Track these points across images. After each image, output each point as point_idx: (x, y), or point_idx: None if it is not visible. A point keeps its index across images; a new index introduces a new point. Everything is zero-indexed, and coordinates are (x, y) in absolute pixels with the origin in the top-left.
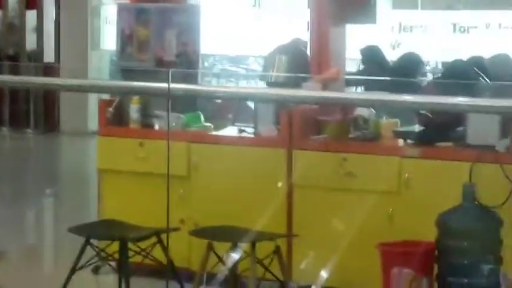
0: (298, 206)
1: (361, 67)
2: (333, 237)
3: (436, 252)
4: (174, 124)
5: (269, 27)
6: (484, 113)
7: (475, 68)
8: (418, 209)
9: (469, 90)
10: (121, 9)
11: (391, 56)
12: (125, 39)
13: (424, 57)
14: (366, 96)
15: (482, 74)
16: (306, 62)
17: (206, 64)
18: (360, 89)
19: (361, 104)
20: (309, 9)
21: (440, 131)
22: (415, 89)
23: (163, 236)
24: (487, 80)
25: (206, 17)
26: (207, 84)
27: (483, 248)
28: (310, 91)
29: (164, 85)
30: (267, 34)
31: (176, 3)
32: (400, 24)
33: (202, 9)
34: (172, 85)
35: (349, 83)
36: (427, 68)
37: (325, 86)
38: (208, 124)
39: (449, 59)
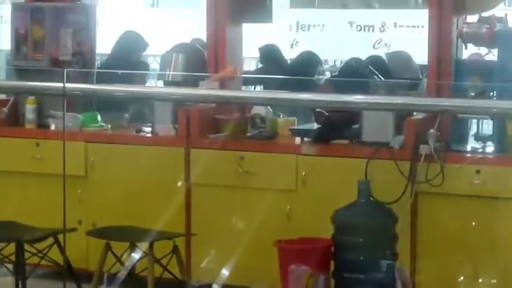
0: (196, 205)
1: (260, 66)
2: (231, 236)
3: (333, 249)
4: (70, 124)
5: (168, 27)
6: (377, 110)
7: (370, 67)
8: (315, 206)
9: (364, 88)
10: (16, 8)
11: (290, 54)
12: (20, 38)
13: (322, 56)
14: (262, 95)
15: (376, 72)
16: (203, 61)
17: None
18: (259, 87)
19: (258, 102)
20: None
21: (336, 129)
22: (312, 87)
23: (60, 237)
24: (381, 78)
25: (106, 16)
26: (102, 84)
27: (379, 243)
28: (207, 89)
29: (59, 85)
30: (166, 34)
31: (71, 2)
32: (297, 23)
33: (101, 9)
34: (68, 85)
35: (247, 81)
36: (326, 66)
37: (222, 85)
38: (105, 124)
39: (347, 57)
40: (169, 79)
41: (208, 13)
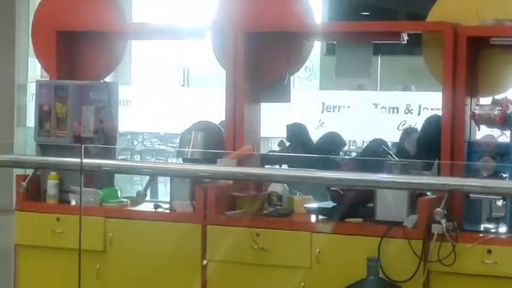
0: (213, 282)
1: (287, 144)
2: None
3: None
4: (91, 200)
5: (196, 106)
6: (395, 188)
7: (384, 146)
8: (329, 283)
9: (382, 167)
10: (40, 85)
11: (316, 135)
12: (44, 115)
13: (347, 136)
14: (280, 172)
15: (390, 152)
16: (221, 139)
17: (136, 142)
18: (284, 166)
19: (277, 179)
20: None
21: (350, 207)
22: (335, 166)
23: None
24: (394, 157)
25: (137, 94)
26: (120, 159)
27: None
28: (225, 166)
29: (77, 160)
30: (194, 113)
31: (94, 81)
32: (323, 104)
33: (134, 87)
34: (85, 160)
35: (271, 160)
36: (353, 147)
37: (239, 162)
38: (125, 199)
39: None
40: (188, 156)
41: (228, 92)
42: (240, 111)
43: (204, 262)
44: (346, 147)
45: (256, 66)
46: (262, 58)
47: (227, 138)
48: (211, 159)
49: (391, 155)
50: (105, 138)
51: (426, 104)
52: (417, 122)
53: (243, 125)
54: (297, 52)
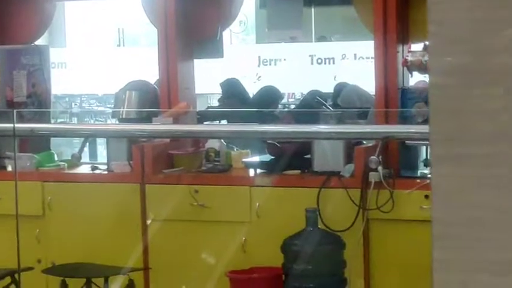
0: (153, 240)
1: (222, 101)
2: (188, 269)
3: (284, 277)
4: (28, 164)
5: (132, 66)
6: (331, 139)
7: (318, 97)
8: (269, 236)
9: (319, 119)
10: None
11: (252, 89)
12: None
13: (286, 89)
14: (215, 128)
15: (324, 103)
16: (156, 98)
17: (74, 105)
18: (222, 122)
19: (215, 135)
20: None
21: (288, 160)
22: (273, 119)
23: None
24: (329, 108)
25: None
26: (53, 123)
27: (326, 270)
28: (161, 125)
29: (9, 125)
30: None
31: (24, 44)
32: (259, 58)
33: (69, 49)
34: (18, 125)
35: (208, 116)
36: (292, 100)
37: (175, 120)
38: (62, 163)
39: (307, 90)
40: (123, 116)
41: (160, 50)
42: (174, 68)
43: (148, 222)
44: (285, 100)
45: (188, 23)
46: (193, 14)
47: (162, 97)
48: (146, 118)
49: (326, 106)
50: (38, 102)
51: (361, 53)
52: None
53: (177, 82)
54: (228, 7)
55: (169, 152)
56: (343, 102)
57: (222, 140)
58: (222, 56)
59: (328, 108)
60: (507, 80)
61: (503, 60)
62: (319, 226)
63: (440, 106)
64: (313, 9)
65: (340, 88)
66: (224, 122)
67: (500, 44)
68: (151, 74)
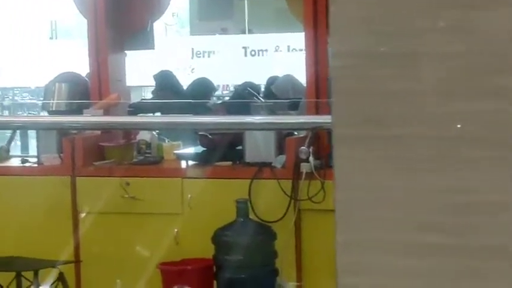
0: (84, 233)
1: (155, 93)
2: (121, 261)
3: (215, 268)
4: None
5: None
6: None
7: (249, 88)
8: (201, 228)
9: (255, 110)
10: None
11: (186, 81)
12: None
13: (220, 81)
14: (146, 120)
15: (256, 94)
16: (87, 90)
17: (5, 98)
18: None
19: (142, 127)
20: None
21: (220, 151)
22: (206, 111)
23: None
24: (261, 100)
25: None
26: None
27: (257, 261)
28: (92, 116)
29: None
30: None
31: None
32: (193, 50)
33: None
34: None
35: (142, 108)
36: (226, 92)
37: (106, 112)
38: None
39: (241, 81)
40: (53, 108)
41: (90, 42)
42: (104, 60)
43: (83, 215)
44: (219, 92)
45: (118, 15)
46: (124, 6)
47: (92, 89)
48: (77, 110)
49: (257, 97)
50: None
51: (294, 45)
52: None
53: (108, 74)
54: None
55: (100, 144)
56: (277, 90)
57: (154, 132)
58: (153, 48)
59: (260, 99)
60: (410, 62)
61: (406, 41)
62: (251, 217)
63: (342, 88)
64: (246, 1)
65: (272, 80)
66: (158, 114)
67: (402, 25)
68: (84, 66)
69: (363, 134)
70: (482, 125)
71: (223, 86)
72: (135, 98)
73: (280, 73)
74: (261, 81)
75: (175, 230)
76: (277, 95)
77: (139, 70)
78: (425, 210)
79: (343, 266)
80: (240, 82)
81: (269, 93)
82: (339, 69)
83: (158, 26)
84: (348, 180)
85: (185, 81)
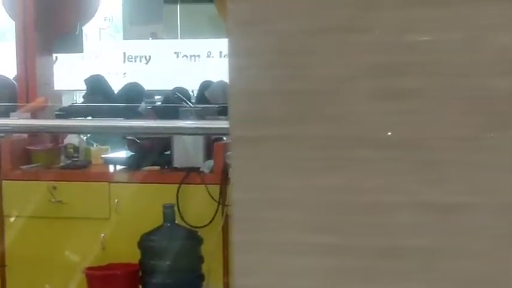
0: (10, 237)
1: (87, 97)
2: (47, 266)
3: (141, 273)
4: None
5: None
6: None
7: (178, 93)
8: (128, 232)
9: (180, 115)
10: None
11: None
12: None
13: (152, 86)
14: (75, 123)
15: (184, 99)
16: (14, 93)
17: None
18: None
19: (71, 131)
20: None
21: (148, 156)
22: (137, 116)
23: None
24: (189, 104)
25: None
26: None
27: (183, 266)
28: (19, 119)
29: None
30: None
31: None
32: (124, 54)
33: None
34: None
35: (72, 112)
36: (158, 97)
37: (33, 115)
38: None
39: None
40: None
41: (18, 44)
42: (32, 63)
43: (9, 219)
44: (151, 98)
45: (47, 17)
46: (53, 9)
47: (20, 92)
48: (4, 113)
49: (186, 102)
50: None
51: (226, 51)
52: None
53: (35, 77)
54: (88, 1)
55: (27, 148)
56: (210, 96)
57: (82, 136)
58: (81, 51)
59: (189, 104)
60: (305, 61)
61: (302, 41)
62: (178, 222)
63: (239, 88)
64: (178, 6)
65: (206, 86)
66: (89, 118)
67: (298, 25)
68: (12, 69)
69: (258, 135)
70: (376, 126)
71: (155, 91)
72: (67, 102)
73: (212, 78)
74: (194, 87)
75: (102, 234)
76: (210, 100)
77: (72, 74)
78: (319, 210)
79: (240, 267)
80: (171, 87)
81: (202, 99)
82: (235, 69)
83: (92, 31)
84: (245, 180)
85: (117, 85)
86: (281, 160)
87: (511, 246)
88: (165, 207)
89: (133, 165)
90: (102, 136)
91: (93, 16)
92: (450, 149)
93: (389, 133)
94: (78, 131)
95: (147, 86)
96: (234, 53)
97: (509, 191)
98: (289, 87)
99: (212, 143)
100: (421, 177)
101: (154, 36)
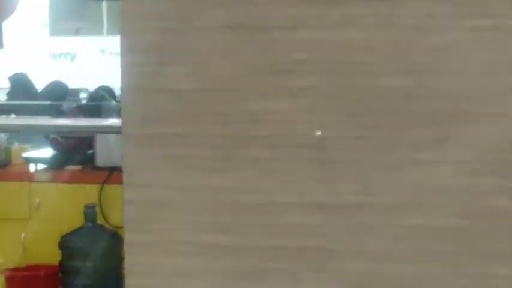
0: None
1: (10, 95)
2: None
3: (61, 274)
4: None
5: None
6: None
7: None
8: (49, 233)
9: (108, 113)
10: None
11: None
12: None
13: (77, 84)
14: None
15: (110, 98)
16: None
17: None
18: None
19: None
20: None
21: (70, 155)
22: (60, 114)
23: None
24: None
25: None
26: None
27: (104, 267)
28: None
29: None
30: None
31: None
32: (50, 51)
33: None
34: None
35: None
36: (84, 95)
37: None
38: None
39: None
40: None
41: None
42: None
43: None
44: (77, 95)
45: None
46: None
47: None
48: None
49: (111, 100)
50: None
51: None
52: None
53: None
54: None
55: None
56: None
57: (1, 134)
58: (1, 47)
59: (114, 102)
60: (199, 59)
61: (196, 38)
62: (99, 222)
63: (131, 85)
64: (104, 3)
65: None
66: (13, 116)
67: (192, 22)
68: None
69: (150, 133)
70: (269, 125)
71: (81, 89)
72: None
73: None
74: (119, 85)
75: (23, 235)
76: None
77: None
78: (211, 210)
79: (130, 267)
80: (98, 85)
81: None
82: (128, 66)
83: (17, 26)
84: (136, 179)
85: (42, 83)
86: (173, 159)
87: (402, 246)
88: (86, 207)
89: (55, 164)
90: (24, 135)
91: (13, 12)
92: (343, 149)
93: (283, 132)
94: (0, 129)
95: (72, 83)
96: (127, 51)
97: (401, 191)
98: (182, 85)
99: None
100: (314, 177)
101: (80, 32)
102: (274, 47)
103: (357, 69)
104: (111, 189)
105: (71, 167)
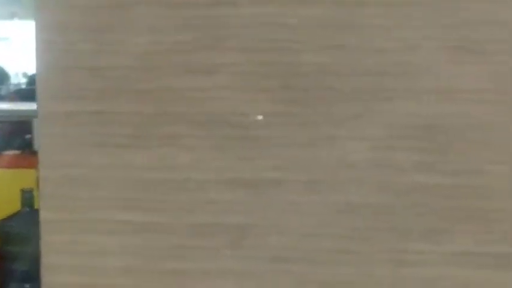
0: None
1: None
2: None
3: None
4: None
5: None
6: None
7: None
8: None
9: None
10: None
11: None
12: None
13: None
14: None
15: None
16: None
17: None
18: None
19: None
20: None
21: (7, 139)
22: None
23: None
24: None
25: None
26: None
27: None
28: None
29: None
30: None
31: None
32: None
33: None
34: None
35: None
36: (24, 79)
37: None
38: None
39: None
40: None
41: None
42: None
43: None
44: (17, 80)
45: None
46: None
47: None
48: None
49: None
50: None
51: None
52: None
53: None
54: None
55: None
56: None
57: None
58: None
59: None
60: (114, 36)
61: (111, 15)
62: (37, 207)
63: (47, 62)
64: None
65: None
66: None
67: None
68: None
69: (66, 110)
70: (187, 102)
71: (20, 73)
72: None
73: None
74: None
75: None
76: None
77: None
78: (128, 188)
79: (47, 245)
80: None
81: None
82: (43, 42)
83: None
84: (52, 157)
85: None
86: (89, 137)
87: (321, 222)
88: (23, 191)
89: None
90: None
91: None
92: (262, 126)
93: (203, 109)
94: None
95: (10, 68)
96: (42, 28)
97: (319, 168)
98: (98, 62)
99: None
100: (233, 153)
101: (14, 15)
102: (195, 23)
103: (277, 45)
104: None
105: (8, 152)
